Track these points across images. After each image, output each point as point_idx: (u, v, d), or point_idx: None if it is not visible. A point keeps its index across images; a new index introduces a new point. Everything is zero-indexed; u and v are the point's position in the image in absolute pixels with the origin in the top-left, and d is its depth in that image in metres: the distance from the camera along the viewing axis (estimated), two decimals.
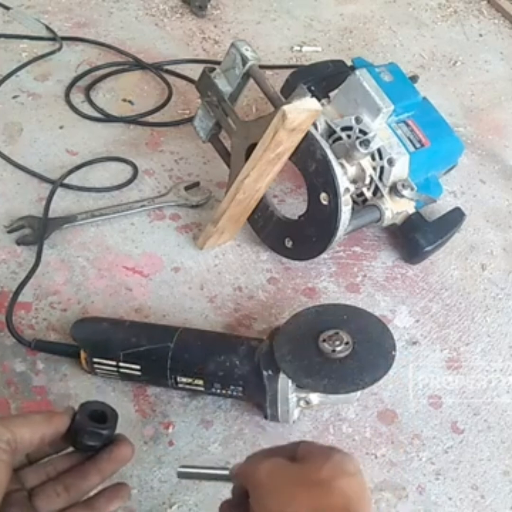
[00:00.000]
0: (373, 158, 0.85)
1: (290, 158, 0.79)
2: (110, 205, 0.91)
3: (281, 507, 0.45)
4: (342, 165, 0.79)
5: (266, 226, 0.87)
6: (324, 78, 0.95)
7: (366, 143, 0.80)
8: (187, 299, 0.82)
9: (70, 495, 0.51)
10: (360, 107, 0.85)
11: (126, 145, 1.02)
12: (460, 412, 0.75)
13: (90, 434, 0.51)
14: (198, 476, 0.57)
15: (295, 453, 0.49)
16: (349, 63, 0.98)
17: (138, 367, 0.70)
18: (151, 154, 1.01)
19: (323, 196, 0.78)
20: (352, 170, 0.83)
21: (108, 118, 1.06)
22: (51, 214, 0.88)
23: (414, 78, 0.96)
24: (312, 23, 1.35)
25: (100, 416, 0.52)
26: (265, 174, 0.79)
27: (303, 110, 0.72)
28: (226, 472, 0.54)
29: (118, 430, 0.69)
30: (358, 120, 0.84)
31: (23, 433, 0.49)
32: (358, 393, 0.69)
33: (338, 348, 0.66)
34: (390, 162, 0.84)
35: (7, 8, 1.26)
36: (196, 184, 0.95)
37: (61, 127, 1.03)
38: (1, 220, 0.88)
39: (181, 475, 0.57)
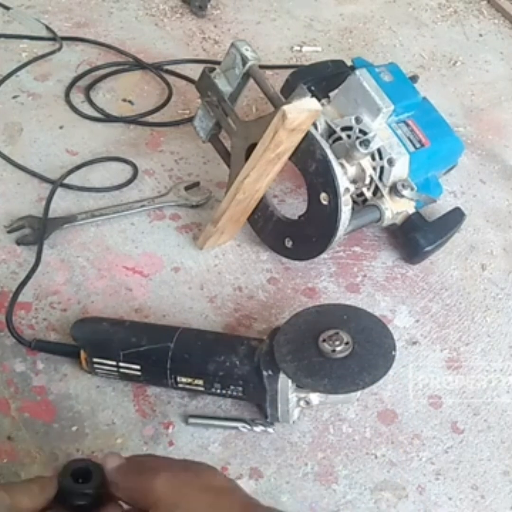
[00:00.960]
0: (373, 158, 0.85)
1: (290, 158, 0.79)
2: (110, 205, 0.91)
3: None
4: (342, 165, 0.79)
5: (266, 226, 0.87)
6: (324, 78, 0.95)
7: (366, 143, 0.80)
8: (187, 299, 0.82)
9: None
10: (360, 107, 0.85)
11: (126, 145, 1.02)
12: (460, 412, 0.75)
13: (76, 495, 0.51)
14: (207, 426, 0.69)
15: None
16: (349, 63, 0.98)
17: (138, 367, 0.70)
18: (151, 154, 1.01)
19: (323, 196, 0.78)
20: (352, 170, 0.83)
21: (108, 118, 1.06)
22: (51, 214, 0.88)
23: (414, 78, 0.96)
24: (312, 23, 1.35)
25: (84, 473, 0.51)
26: (265, 174, 0.79)
27: (303, 110, 0.72)
28: (234, 424, 0.68)
29: (120, 428, 0.70)
30: (358, 120, 0.84)
31: (22, 500, 0.49)
32: (358, 393, 0.69)
33: (338, 348, 0.66)
34: (390, 162, 0.84)
35: (7, 8, 1.26)
36: (196, 184, 0.95)
37: (61, 127, 1.03)
38: (1, 220, 0.88)
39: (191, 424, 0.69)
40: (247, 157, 0.78)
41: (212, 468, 0.51)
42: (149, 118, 1.07)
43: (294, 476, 0.67)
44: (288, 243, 0.85)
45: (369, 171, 0.85)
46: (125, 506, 0.51)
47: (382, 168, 0.85)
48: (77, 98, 1.09)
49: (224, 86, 0.82)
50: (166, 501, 0.45)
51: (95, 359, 0.70)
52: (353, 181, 0.84)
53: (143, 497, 0.46)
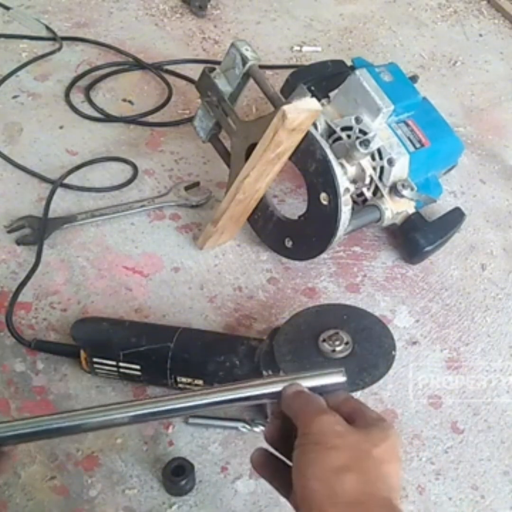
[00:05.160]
0: (373, 158, 0.85)
1: (290, 158, 0.79)
2: (110, 205, 0.91)
3: (327, 472, 0.44)
4: (342, 165, 0.79)
5: (266, 226, 0.87)
6: (324, 78, 0.95)
7: (366, 143, 0.80)
8: (187, 299, 0.82)
9: None
10: (360, 107, 0.85)
11: (126, 145, 1.02)
12: (460, 412, 0.75)
13: None
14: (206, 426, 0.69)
15: (352, 413, 0.48)
16: (349, 63, 0.98)
17: (138, 367, 0.70)
18: (151, 154, 1.01)
19: (323, 196, 0.78)
20: (352, 170, 0.83)
21: (108, 118, 1.06)
22: (51, 214, 0.88)
23: (414, 78, 0.96)
24: (312, 23, 1.35)
25: None
26: (265, 174, 0.79)
27: (303, 110, 0.72)
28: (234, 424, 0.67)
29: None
30: (358, 120, 0.84)
31: None
32: (358, 393, 0.69)
33: (338, 348, 0.66)
34: (390, 162, 0.84)
35: (7, 8, 1.26)
36: (196, 184, 0.95)
37: (61, 127, 1.03)
38: (1, 220, 0.88)
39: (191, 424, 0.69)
40: (247, 157, 0.78)
41: (390, 436, 0.47)
42: (149, 118, 1.07)
43: None
44: (288, 243, 0.85)
45: (369, 171, 0.85)
46: None
47: (382, 168, 0.85)
48: (77, 98, 1.09)
49: (224, 86, 0.82)
50: (317, 443, 0.45)
51: (95, 359, 0.70)
52: (353, 181, 0.84)
53: (302, 422, 0.47)
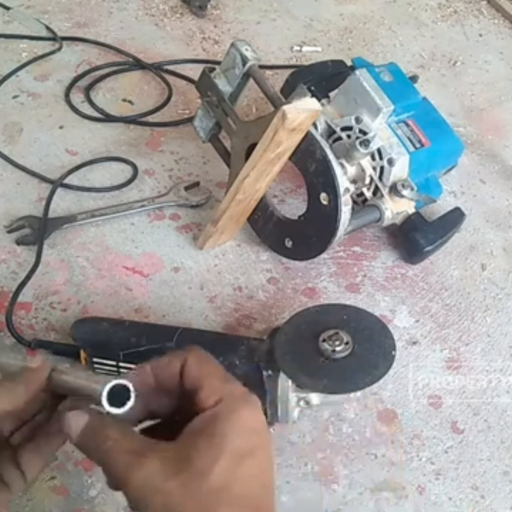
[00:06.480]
0: (373, 158, 0.85)
1: (290, 158, 0.79)
2: (110, 205, 0.91)
3: None
4: (342, 165, 0.79)
5: (266, 226, 0.87)
6: (324, 78, 0.95)
7: (366, 143, 0.80)
8: (187, 299, 0.82)
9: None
10: (360, 107, 0.85)
11: (126, 145, 1.02)
12: (460, 412, 0.75)
13: None
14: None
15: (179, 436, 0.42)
16: (349, 63, 0.98)
17: None
18: (151, 154, 1.01)
19: (323, 196, 0.78)
20: (352, 170, 0.83)
21: (108, 118, 1.06)
22: (51, 214, 0.88)
23: (414, 78, 0.96)
24: (312, 23, 1.35)
25: None
26: (265, 174, 0.79)
27: (303, 110, 0.72)
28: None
29: None
30: (358, 120, 0.84)
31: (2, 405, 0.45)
32: (358, 393, 0.69)
33: (338, 348, 0.66)
34: (390, 162, 0.84)
35: (7, 8, 1.26)
36: (196, 184, 0.95)
37: (61, 127, 1.03)
38: (1, 220, 0.88)
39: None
40: (247, 157, 0.78)
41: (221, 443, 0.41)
42: (149, 118, 1.07)
43: (294, 476, 0.67)
44: (288, 243, 0.85)
45: (369, 171, 0.85)
46: None
47: (382, 168, 0.85)
48: (77, 98, 1.09)
49: (224, 86, 0.82)
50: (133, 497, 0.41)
51: (95, 359, 0.70)
52: (353, 181, 0.84)
53: (117, 479, 0.43)
